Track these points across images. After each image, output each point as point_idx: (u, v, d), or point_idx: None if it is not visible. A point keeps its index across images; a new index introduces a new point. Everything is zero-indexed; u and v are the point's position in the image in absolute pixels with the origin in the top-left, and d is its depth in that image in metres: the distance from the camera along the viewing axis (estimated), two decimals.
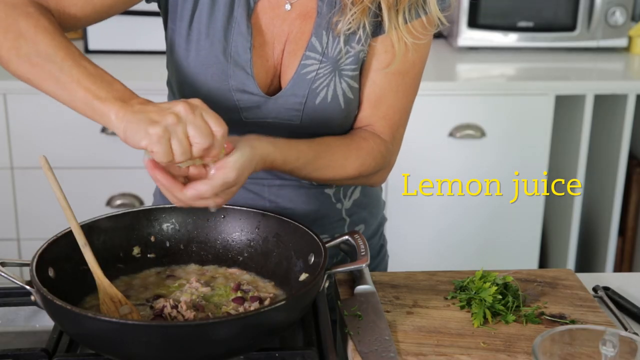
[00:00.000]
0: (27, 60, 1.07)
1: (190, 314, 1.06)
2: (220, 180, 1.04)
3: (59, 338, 1.07)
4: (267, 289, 1.16)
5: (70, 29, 1.17)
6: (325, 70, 1.23)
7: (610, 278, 1.33)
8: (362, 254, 1.12)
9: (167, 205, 1.22)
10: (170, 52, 1.26)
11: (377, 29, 1.24)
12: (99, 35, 2.50)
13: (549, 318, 1.14)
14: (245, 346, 1.00)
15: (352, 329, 1.09)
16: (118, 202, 2.39)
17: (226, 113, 1.20)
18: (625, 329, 1.16)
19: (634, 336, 0.95)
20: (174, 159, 1.01)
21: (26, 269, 1.06)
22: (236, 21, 1.22)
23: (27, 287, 1.03)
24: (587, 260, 2.81)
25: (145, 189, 2.38)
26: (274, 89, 1.26)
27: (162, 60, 2.49)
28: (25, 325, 1.19)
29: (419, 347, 1.06)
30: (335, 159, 1.22)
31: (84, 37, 2.50)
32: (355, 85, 1.25)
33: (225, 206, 1.21)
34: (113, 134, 2.30)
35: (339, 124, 1.27)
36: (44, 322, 1.17)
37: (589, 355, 0.96)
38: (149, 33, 2.50)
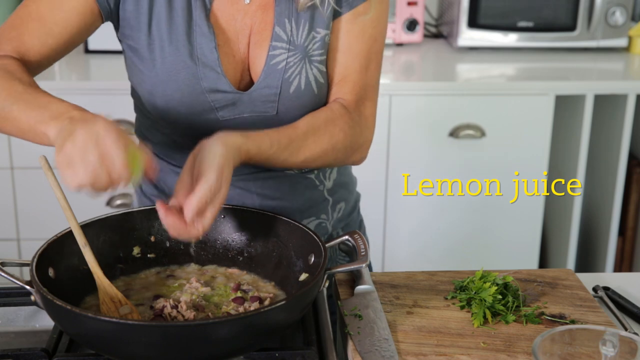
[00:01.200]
0: None
1: (190, 314, 1.06)
2: (205, 187, 1.03)
3: (59, 338, 1.07)
4: (267, 289, 1.16)
5: (35, 71, 1.23)
6: (295, 58, 1.24)
7: (610, 278, 1.33)
8: (362, 254, 1.12)
9: None
10: (131, 64, 1.26)
11: (336, 12, 1.25)
12: (99, 35, 2.50)
13: (549, 318, 1.14)
14: (245, 346, 1.00)
15: (352, 329, 1.09)
16: (118, 202, 2.39)
17: (201, 114, 1.22)
18: (625, 329, 1.16)
19: (634, 336, 0.95)
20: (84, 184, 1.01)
21: (26, 269, 1.06)
22: (196, 23, 1.22)
23: (27, 287, 1.03)
24: (587, 260, 2.81)
25: None
26: (245, 84, 1.27)
27: None
28: (25, 325, 1.19)
29: (419, 347, 1.06)
30: (305, 138, 1.22)
31: None
32: (324, 69, 1.26)
33: (225, 206, 1.21)
34: None
35: (313, 109, 1.27)
36: (44, 322, 1.17)
37: (589, 355, 0.96)
38: None
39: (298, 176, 1.34)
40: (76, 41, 1.25)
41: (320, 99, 1.28)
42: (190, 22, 1.22)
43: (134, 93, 1.33)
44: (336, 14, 1.26)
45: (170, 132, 1.29)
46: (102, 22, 1.25)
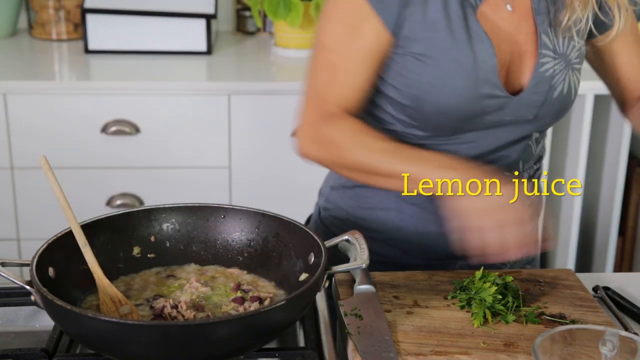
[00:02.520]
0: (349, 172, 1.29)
1: (190, 314, 1.06)
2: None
3: (59, 338, 1.07)
4: (267, 289, 1.16)
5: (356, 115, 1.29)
6: (560, 65, 1.30)
7: (610, 278, 1.33)
8: (362, 255, 1.12)
9: (166, 205, 1.22)
10: (395, 71, 1.27)
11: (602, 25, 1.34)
12: (99, 35, 2.51)
13: (549, 318, 1.14)
14: (245, 346, 1.00)
15: (352, 329, 1.09)
16: (118, 202, 2.39)
17: (470, 119, 1.27)
18: (626, 329, 1.16)
19: (634, 336, 0.95)
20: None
21: (26, 269, 1.06)
22: (473, 30, 1.24)
23: (27, 287, 1.03)
24: (587, 260, 2.80)
25: (145, 189, 2.38)
26: (509, 91, 1.29)
27: (160, 60, 2.49)
28: (25, 325, 1.19)
29: (419, 347, 1.06)
30: None
31: (84, 38, 2.50)
32: (580, 76, 1.34)
33: (225, 206, 1.22)
34: (113, 133, 2.31)
35: (564, 114, 1.35)
36: (44, 322, 1.17)
37: (589, 355, 0.96)
38: (147, 33, 2.50)
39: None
40: (379, 68, 1.28)
41: (572, 104, 1.35)
42: (468, 29, 1.24)
43: (381, 95, 1.31)
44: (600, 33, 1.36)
45: (423, 134, 1.31)
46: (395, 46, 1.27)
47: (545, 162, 2.50)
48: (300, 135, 1.30)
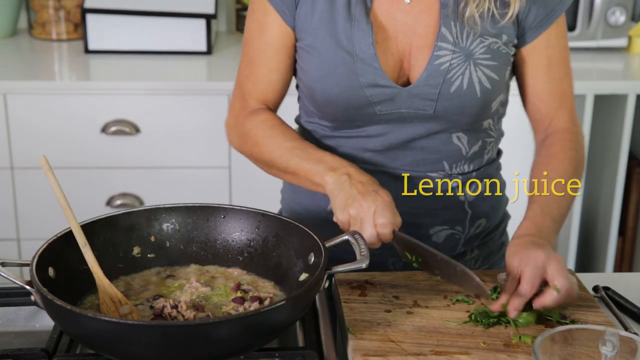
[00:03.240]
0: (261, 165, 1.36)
1: (190, 314, 1.06)
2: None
3: (59, 338, 1.07)
4: (267, 289, 1.16)
5: (277, 109, 1.39)
6: (458, 59, 1.27)
7: (610, 278, 1.33)
8: (363, 253, 1.11)
9: (166, 205, 1.22)
10: (299, 64, 1.34)
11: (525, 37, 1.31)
12: (98, 35, 2.51)
13: (549, 318, 1.14)
14: (246, 346, 1.00)
15: (351, 327, 1.09)
16: (118, 202, 2.39)
17: (359, 108, 1.29)
18: (626, 329, 1.16)
19: (634, 336, 0.95)
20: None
21: (26, 269, 1.06)
22: (356, 19, 1.26)
23: (27, 287, 1.03)
24: (587, 260, 2.80)
25: (145, 188, 2.39)
26: (404, 81, 1.30)
27: (160, 60, 2.49)
28: (25, 325, 1.19)
29: (419, 347, 1.06)
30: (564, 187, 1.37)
31: (84, 38, 2.50)
32: (495, 76, 1.29)
33: (224, 206, 1.22)
34: (114, 133, 2.31)
35: (473, 112, 1.31)
36: (44, 322, 1.17)
37: (589, 355, 0.96)
38: (147, 33, 2.50)
39: (442, 182, 1.37)
40: (291, 63, 1.35)
41: (484, 104, 1.31)
42: (349, 18, 1.27)
43: (297, 87, 1.40)
44: (528, 39, 1.31)
45: (330, 125, 1.35)
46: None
47: None
48: (227, 128, 1.40)
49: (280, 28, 1.31)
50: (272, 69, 1.34)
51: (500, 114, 1.39)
